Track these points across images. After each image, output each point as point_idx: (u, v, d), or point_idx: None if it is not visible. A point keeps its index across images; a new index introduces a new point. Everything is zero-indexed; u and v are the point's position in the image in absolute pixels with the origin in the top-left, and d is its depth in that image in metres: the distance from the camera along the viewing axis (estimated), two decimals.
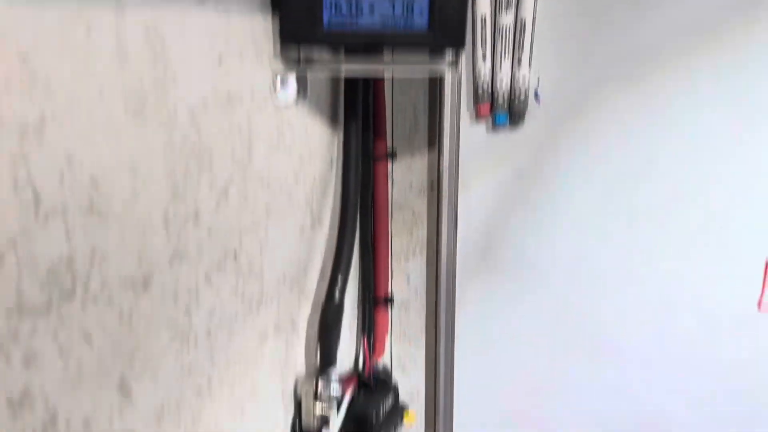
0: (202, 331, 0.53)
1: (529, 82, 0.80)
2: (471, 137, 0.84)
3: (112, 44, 0.41)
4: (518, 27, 0.78)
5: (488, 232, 0.88)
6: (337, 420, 0.74)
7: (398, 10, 0.59)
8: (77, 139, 0.39)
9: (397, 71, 0.76)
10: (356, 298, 0.89)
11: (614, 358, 0.89)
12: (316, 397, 0.72)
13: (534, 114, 0.82)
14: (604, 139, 0.82)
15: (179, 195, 0.48)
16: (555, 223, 0.86)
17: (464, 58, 0.80)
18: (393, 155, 0.87)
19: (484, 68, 0.80)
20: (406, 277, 0.94)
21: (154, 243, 0.46)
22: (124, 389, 0.44)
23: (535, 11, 0.77)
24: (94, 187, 0.40)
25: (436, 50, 0.62)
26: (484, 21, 0.77)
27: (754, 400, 0.87)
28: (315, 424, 0.73)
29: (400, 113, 0.88)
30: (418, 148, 0.90)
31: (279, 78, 0.60)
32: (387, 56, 0.64)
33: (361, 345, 0.89)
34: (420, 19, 0.59)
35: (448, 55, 0.63)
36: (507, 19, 0.77)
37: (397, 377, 0.97)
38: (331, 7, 0.58)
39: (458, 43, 0.60)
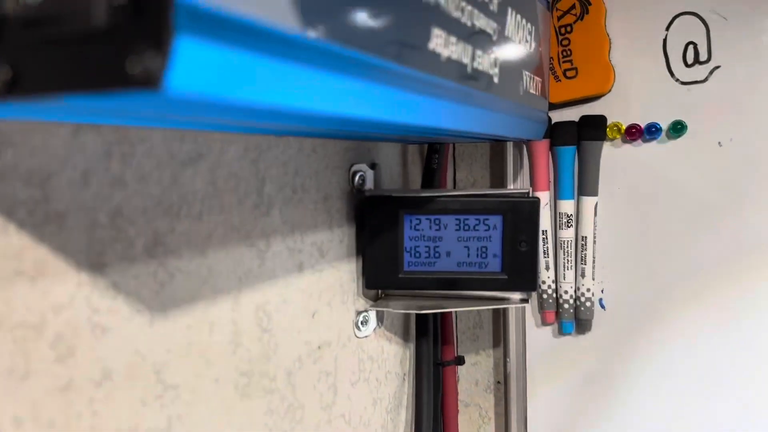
0: None
1: (593, 292, 0.82)
2: (537, 341, 0.86)
3: (228, 334, 0.46)
4: (579, 242, 0.82)
5: None
6: None
7: (473, 254, 0.63)
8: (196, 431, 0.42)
9: (470, 305, 0.81)
10: None
11: None
12: None
13: (599, 321, 0.84)
14: (670, 351, 0.83)
15: None
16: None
17: None
18: (461, 361, 0.89)
19: (548, 277, 0.83)
20: None
21: None
22: None
23: (595, 228, 0.81)
24: None
25: (508, 290, 0.66)
26: (545, 235, 0.82)
27: None
28: None
29: (464, 314, 0.91)
30: (482, 346, 0.92)
31: (362, 316, 0.64)
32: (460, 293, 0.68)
33: None
34: (494, 262, 0.63)
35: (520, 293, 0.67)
36: (567, 234, 0.82)
37: None
38: (411, 254, 0.63)
39: (531, 287, 0.64)
